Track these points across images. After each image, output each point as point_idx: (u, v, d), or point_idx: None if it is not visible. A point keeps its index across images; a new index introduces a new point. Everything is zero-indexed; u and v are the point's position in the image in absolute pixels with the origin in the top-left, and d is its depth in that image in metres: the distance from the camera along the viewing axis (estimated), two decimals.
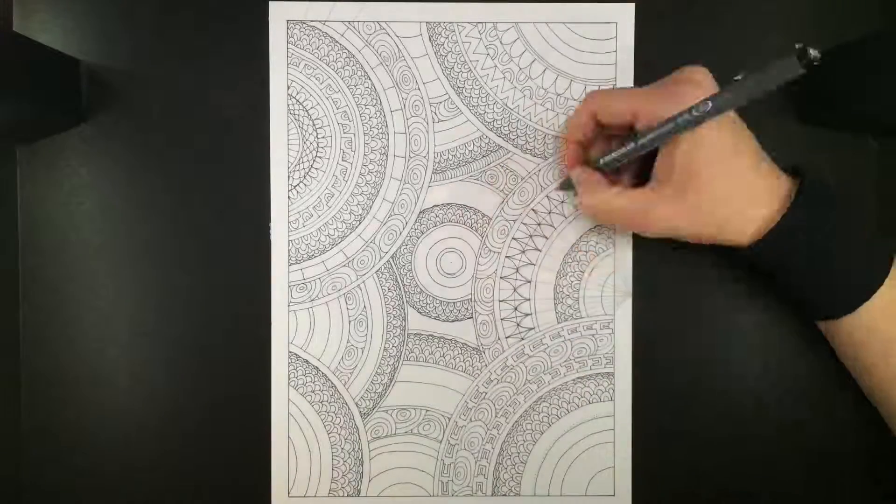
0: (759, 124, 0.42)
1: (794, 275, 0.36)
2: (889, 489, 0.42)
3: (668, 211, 0.35)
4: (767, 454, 0.42)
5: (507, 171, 0.42)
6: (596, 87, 0.42)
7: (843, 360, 0.38)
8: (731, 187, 0.35)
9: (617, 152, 0.37)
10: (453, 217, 0.42)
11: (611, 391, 0.42)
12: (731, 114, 0.35)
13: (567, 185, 0.41)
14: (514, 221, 0.42)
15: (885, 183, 0.42)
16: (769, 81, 0.30)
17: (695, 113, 0.32)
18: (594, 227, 0.42)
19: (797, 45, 0.29)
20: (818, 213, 0.34)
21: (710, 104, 0.32)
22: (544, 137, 0.42)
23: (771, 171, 0.36)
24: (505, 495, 0.42)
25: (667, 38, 0.42)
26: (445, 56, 0.42)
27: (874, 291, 0.34)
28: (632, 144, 0.36)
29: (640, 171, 0.39)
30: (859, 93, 0.38)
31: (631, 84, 0.42)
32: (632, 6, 0.41)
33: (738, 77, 0.32)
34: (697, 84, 0.34)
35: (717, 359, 0.42)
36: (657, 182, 0.36)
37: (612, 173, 0.39)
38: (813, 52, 0.29)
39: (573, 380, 0.42)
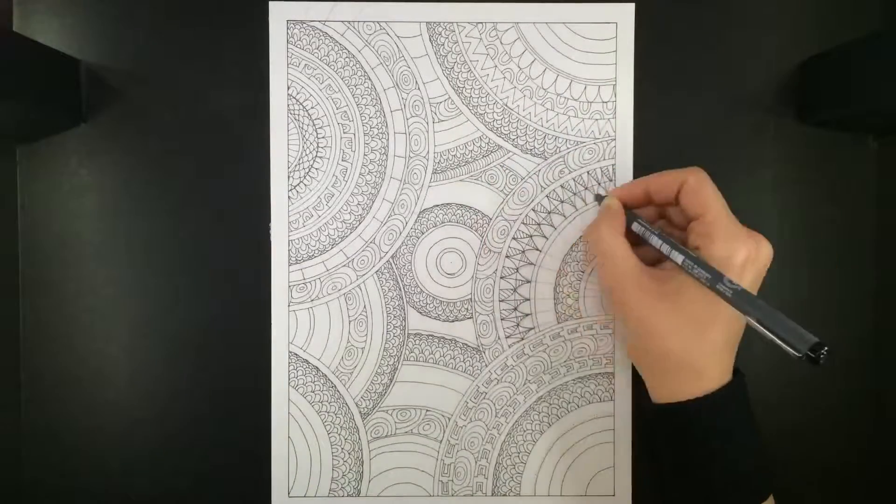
0: (759, 124, 0.42)
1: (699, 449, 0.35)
2: (890, 488, 0.42)
3: (640, 297, 0.36)
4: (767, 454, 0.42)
5: (507, 171, 0.42)
6: (596, 88, 0.42)
7: None
8: (697, 347, 0.35)
9: (649, 235, 0.37)
10: (453, 217, 0.42)
11: (611, 391, 0.42)
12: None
13: (600, 201, 0.41)
14: (514, 221, 0.42)
15: (885, 183, 0.42)
16: (778, 331, 0.30)
17: (717, 287, 0.33)
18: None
19: (817, 347, 0.29)
20: (734, 408, 0.35)
21: (730, 294, 0.32)
22: (544, 137, 0.42)
23: (731, 360, 0.36)
24: (505, 495, 0.42)
25: (667, 38, 0.42)
26: (445, 56, 0.42)
27: None
28: (665, 246, 0.36)
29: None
30: (859, 93, 0.38)
31: (631, 84, 0.42)
32: (632, 6, 0.42)
33: (763, 304, 0.31)
34: (753, 262, 0.34)
35: None
36: (657, 278, 0.36)
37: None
38: (822, 356, 0.29)
39: (573, 380, 0.42)
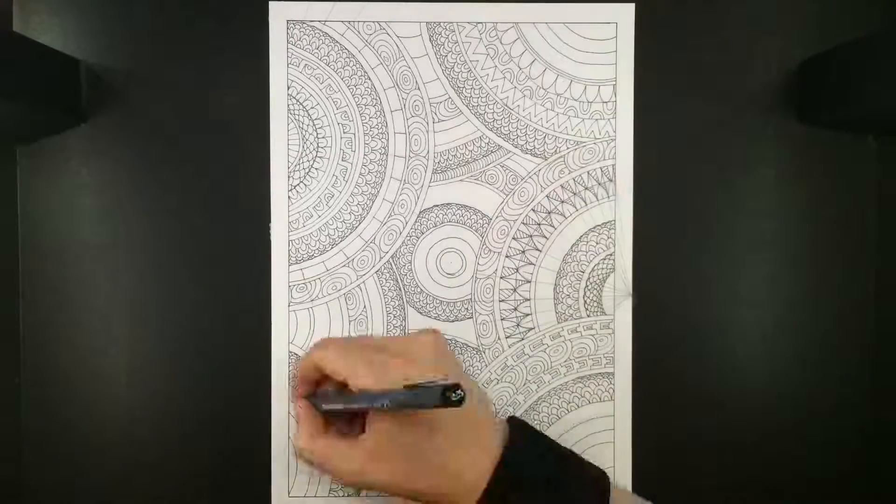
0: (759, 124, 0.42)
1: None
2: (890, 488, 0.42)
3: (374, 469, 0.35)
4: (767, 454, 0.42)
5: (507, 171, 0.42)
6: (596, 88, 0.42)
7: None
8: (449, 462, 0.35)
9: (329, 405, 0.38)
10: (453, 217, 0.42)
11: (611, 391, 0.42)
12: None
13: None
14: (514, 221, 0.42)
15: (885, 183, 0.42)
16: (420, 403, 0.31)
17: (378, 407, 0.34)
18: (594, 227, 0.42)
19: (442, 385, 0.30)
20: (532, 440, 0.36)
21: (388, 404, 0.32)
22: (544, 137, 0.42)
23: (476, 438, 0.36)
24: None
25: (667, 38, 0.42)
26: (445, 56, 0.42)
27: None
28: (340, 404, 0.37)
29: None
30: (859, 93, 0.38)
31: (631, 84, 0.42)
32: (632, 6, 0.42)
33: (403, 391, 0.32)
34: (407, 359, 0.35)
35: (717, 359, 0.42)
36: (365, 447, 0.35)
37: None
38: (455, 396, 0.29)
39: (573, 380, 0.42)
